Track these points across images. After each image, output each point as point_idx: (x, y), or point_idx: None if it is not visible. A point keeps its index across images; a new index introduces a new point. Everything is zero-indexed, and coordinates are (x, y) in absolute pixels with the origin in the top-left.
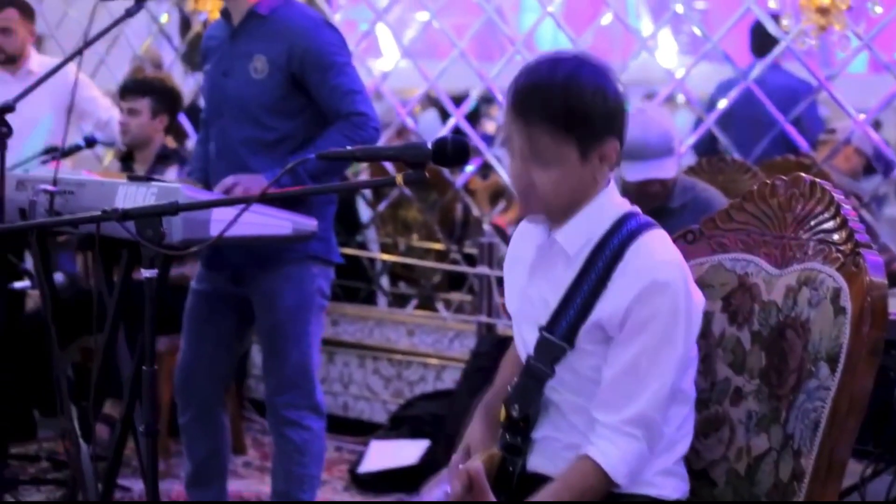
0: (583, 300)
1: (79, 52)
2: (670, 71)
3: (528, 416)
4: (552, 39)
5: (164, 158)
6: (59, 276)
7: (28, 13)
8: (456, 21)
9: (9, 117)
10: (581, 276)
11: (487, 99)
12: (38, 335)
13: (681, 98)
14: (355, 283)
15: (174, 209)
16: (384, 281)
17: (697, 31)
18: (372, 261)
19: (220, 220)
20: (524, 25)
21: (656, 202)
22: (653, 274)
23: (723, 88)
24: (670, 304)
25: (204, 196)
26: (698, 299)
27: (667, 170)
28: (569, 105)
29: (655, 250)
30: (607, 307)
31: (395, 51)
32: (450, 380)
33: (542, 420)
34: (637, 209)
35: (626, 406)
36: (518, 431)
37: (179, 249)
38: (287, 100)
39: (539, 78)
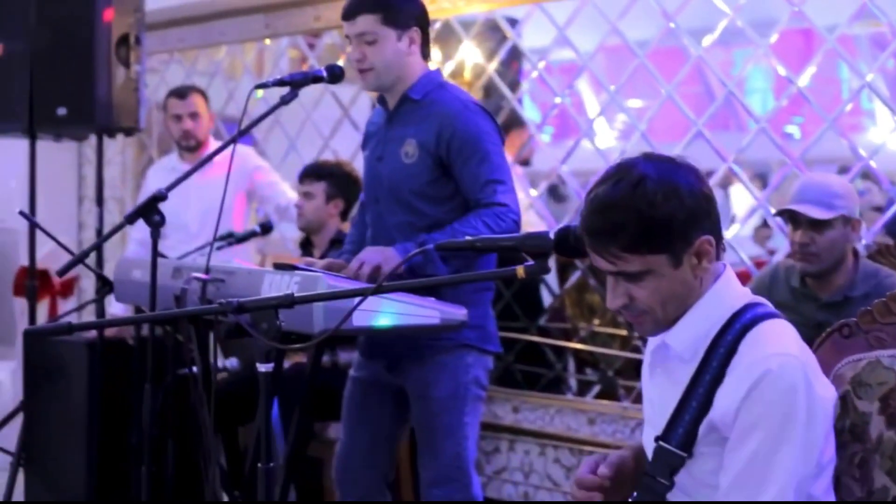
0: (699, 403)
1: (233, 140)
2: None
3: None
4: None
5: (338, 243)
6: (232, 361)
7: (207, 98)
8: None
9: (191, 204)
10: (696, 378)
11: None
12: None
13: None
14: (537, 370)
15: (289, 301)
16: (570, 366)
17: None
18: (556, 347)
19: (362, 311)
20: (754, 105)
21: (813, 265)
22: (764, 366)
23: None
24: (786, 399)
25: (345, 285)
26: (824, 394)
27: (815, 214)
28: (642, 222)
29: (769, 341)
30: (720, 405)
31: (607, 131)
32: None
33: None
34: (760, 300)
35: None
36: None
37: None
38: (436, 185)
39: (604, 199)
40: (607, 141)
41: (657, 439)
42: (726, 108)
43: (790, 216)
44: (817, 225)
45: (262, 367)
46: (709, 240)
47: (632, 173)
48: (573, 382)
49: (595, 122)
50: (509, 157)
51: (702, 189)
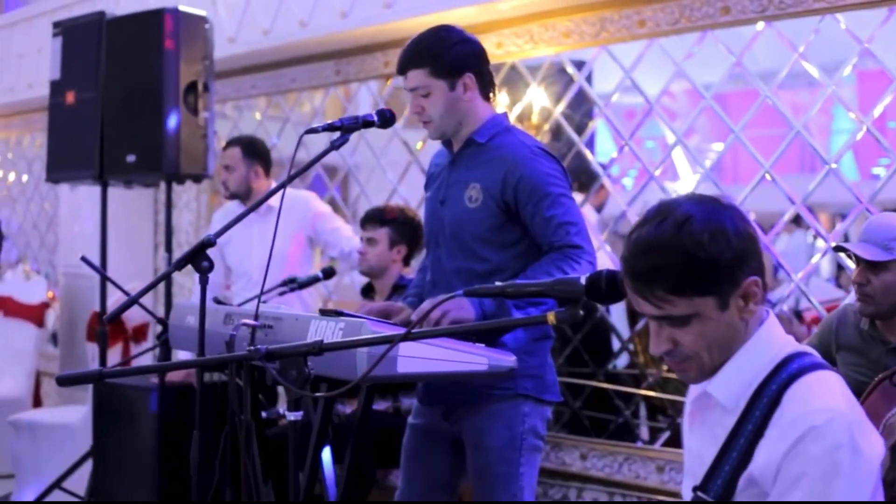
0: (739, 454)
1: (282, 186)
2: None
3: None
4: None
5: (400, 289)
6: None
7: (252, 152)
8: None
9: (253, 252)
10: (738, 429)
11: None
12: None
13: None
14: (605, 416)
15: (318, 349)
16: (641, 412)
17: None
18: (623, 393)
19: (406, 357)
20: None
21: (868, 306)
22: (809, 422)
23: None
24: (829, 457)
25: (390, 330)
26: (871, 452)
27: (868, 255)
28: (687, 262)
29: (815, 395)
30: (761, 459)
31: (690, 173)
32: None
33: None
34: (807, 349)
35: None
36: None
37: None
38: (500, 230)
39: (648, 239)
40: (688, 184)
41: (695, 489)
42: (814, 150)
43: (854, 254)
44: (873, 266)
45: (291, 416)
46: (756, 281)
47: (675, 213)
48: (644, 429)
49: (678, 165)
50: (578, 200)
51: (747, 229)
